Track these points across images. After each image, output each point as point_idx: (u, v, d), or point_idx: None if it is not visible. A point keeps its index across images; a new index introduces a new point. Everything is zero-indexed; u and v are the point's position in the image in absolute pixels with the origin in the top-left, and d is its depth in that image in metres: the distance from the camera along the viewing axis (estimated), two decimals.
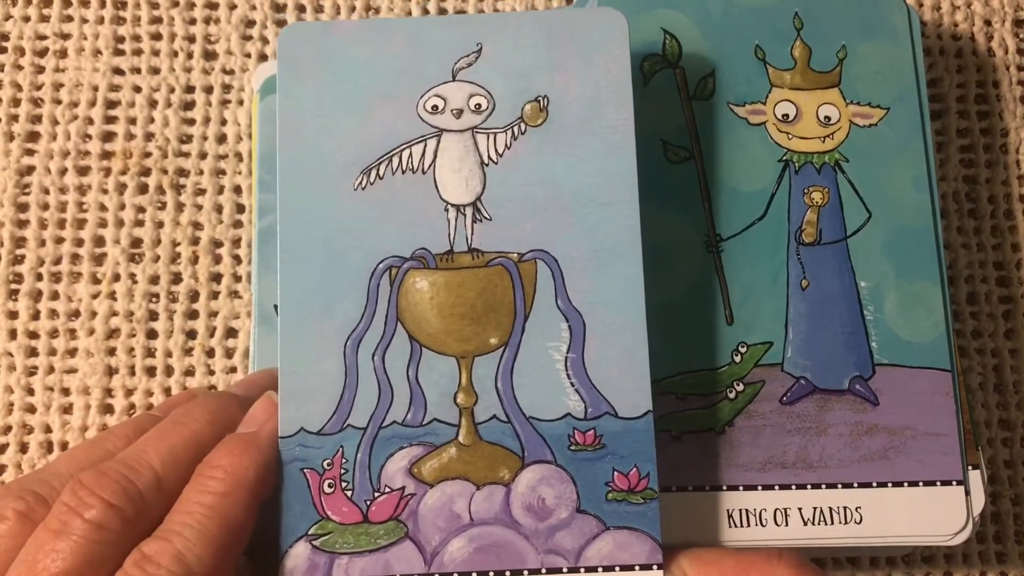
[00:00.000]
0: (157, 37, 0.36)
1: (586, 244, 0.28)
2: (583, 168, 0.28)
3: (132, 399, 0.33)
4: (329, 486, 0.27)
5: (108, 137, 0.35)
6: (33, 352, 0.34)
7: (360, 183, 0.28)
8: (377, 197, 0.28)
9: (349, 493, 0.27)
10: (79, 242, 0.34)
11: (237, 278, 0.34)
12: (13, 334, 0.34)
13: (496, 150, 0.28)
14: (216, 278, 0.34)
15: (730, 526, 0.29)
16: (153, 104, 0.36)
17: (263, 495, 0.27)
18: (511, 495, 0.27)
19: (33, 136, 0.35)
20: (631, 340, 0.27)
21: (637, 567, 0.27)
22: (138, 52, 0.36)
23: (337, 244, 0.28)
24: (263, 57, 0.36)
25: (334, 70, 0.29)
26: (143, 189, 0.35)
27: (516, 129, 0.28)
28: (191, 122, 0.35)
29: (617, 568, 0.27)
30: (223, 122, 0.35)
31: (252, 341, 0.32)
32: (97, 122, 0.35)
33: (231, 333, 0.34)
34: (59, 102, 0.36)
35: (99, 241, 0.34)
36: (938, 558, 0.33)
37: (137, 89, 0.36)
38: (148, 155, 0.35)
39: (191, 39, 0.36)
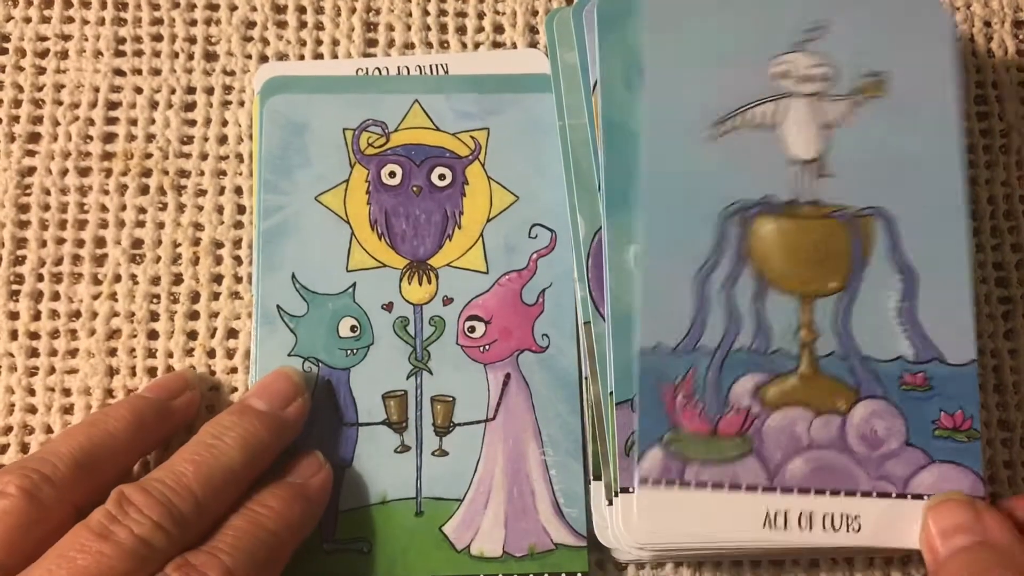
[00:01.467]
0: (158, 38, 0.36)
1: (919, 204, 0.30)
2: (916, 136, 0.31)
3: None
4: (683, 398, 0.29)
5: (109, 138, 0.35)
6: (34, 353, 0.34)
7: (713, 134, 0.31)
8: (728, 148, 0.31)
9: (700, 407, 0.29)
10: (80, 243, 0.34)
11: (238, 279, 0.34)
12: (14, 335, 0.34)
13: (839, 115, 0.31)
14: (217, 279, 0.34)
15: None
16: (154, 105, 0.36)
17: (301, 540, 0.29)
18: (847, 424, 0.29)
19: (34, 137, 0.35)
20: (959, 294, 0.30)
21: None
22: (139, 53, 0.36)
23: (692, 187, 0.30)
24: (264, 58, 0.36)
25: (692, 37, 0.32)
26: (144, 190, 0.35)
27: (857, 98, 0.31)
28: (192, 123, 0.36)
29: None
30: (224, 123, 0.35)
31: (253, 342, 0.32)
32: (98, 123, 0.35)
33: (232, 334, 0.34)
34: (60, 103, 0.36)
35: (100, 242, 0.35)
36: None
37: (138, 90, 0.36)
38: (149, 156, 0.35)
39: (192, 40, 0.36)
